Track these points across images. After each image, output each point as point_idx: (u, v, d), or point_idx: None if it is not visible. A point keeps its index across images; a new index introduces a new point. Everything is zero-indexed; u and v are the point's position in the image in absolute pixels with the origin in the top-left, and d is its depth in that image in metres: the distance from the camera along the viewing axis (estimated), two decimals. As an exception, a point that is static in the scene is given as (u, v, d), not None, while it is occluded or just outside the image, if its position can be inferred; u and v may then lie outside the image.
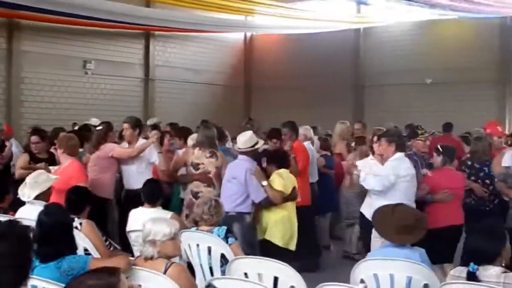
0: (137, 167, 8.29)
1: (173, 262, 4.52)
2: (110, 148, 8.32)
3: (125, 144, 8.60)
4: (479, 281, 4.10)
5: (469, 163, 8.05)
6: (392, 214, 5.02)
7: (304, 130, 9.73)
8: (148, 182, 6.88)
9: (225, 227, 5.95)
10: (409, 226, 4.92)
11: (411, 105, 20.94)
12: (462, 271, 4.27)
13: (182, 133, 9.65)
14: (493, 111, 19.93)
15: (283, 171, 7.29)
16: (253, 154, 7.41)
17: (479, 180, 7.81)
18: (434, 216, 6.76)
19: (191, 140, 8.73)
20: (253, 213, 7.27)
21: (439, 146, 7.55)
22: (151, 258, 4.48)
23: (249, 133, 7.56)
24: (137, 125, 8.56)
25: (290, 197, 7.18)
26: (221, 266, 5.65)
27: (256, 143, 7.39)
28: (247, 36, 25.77)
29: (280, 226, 7.18)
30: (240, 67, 25.58)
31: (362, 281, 4.88)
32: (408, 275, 4.75)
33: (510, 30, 20.15)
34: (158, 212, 6.32)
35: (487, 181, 7.78)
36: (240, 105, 25.40)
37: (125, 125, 8.46)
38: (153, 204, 6.50)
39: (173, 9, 18.30)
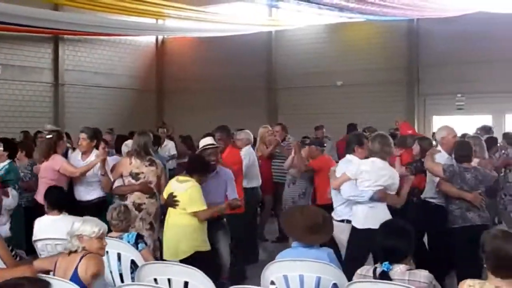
0: (87, 178, 8.08)
1: (88, 253, 4.52)
2: (57, 163, 8.06)
3: (78, 154, 8.36)
4: (390, 279, 4.14)
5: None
6: (301, 214, 5.02)
7: (245, 134, 9.67)
8: (50, 190, 6.71)
9: (135, 233, 5.87)
10: (317, 226, 4.93)
11: (323, 107, 21.27)
12: (368, 269, 4.32)
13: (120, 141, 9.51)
14: (402, 111, 20.49)
15: (176, 177, 6.93)
16: None
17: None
18: None
19: (125, 147, 8.52)
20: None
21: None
22: (75, 251, 4.53)
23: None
24: (95, 136, 8.31)
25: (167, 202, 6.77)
26: (132, 273, 5.53)
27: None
28: (159, 40, 25.54)
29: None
30: (152, 71, 25.32)
31: (272, 282, 4.86)
32: (317, 275, 4.77)
33: (417, 32, 20.80)
34: (65, 218, 6.14)
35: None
36: (152, 109, 25.13)
37: (82, 135, 8.21)
38: (58, 211, 6.34)
39: (82, 13, 17.89)
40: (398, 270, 4.19)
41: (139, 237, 5.84)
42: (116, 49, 23.32)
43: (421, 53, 20.74)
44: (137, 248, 5.68)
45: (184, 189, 6.56)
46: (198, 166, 6.81)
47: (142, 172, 7.43)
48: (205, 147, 7.27)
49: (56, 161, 8.11)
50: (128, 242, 5.71)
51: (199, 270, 4.74)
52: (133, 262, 5.58)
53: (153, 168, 7.45)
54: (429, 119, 20.80)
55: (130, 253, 5.61)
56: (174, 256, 6.48)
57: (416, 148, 8.13)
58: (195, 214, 6.47)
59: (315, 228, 4.91)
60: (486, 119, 18.11)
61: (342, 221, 6.67)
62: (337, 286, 4.71)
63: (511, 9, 15.87)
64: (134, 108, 23.43)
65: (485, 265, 3.85)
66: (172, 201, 6.61)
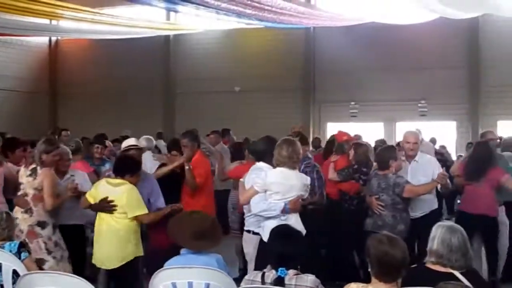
0: None
1: None
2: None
3: None
4: (284, 285, 4.14)
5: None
6: (190, 220, 4.94)
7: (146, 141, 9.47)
8: None
9: (17, 242, 5.57)
10: (206, 232, 4.86)
11: (221, 113, 21.29)
12: (256, 274, 4.30)
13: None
14: (298, 117, 20.83)
15: (105, 180, 6.48)
16: None
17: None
18: None
19: None
20: None
21: None
22: None
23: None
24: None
25: (89, 208, 6.40)
26: (14, 283, 5.25)
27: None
28: (52, 41, 24.75)
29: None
30: (44, 73, 24.54)
31: (161, 291, 4.76)
32: (206, 281, 4.70)
33: (313, 40, 21.22)
34: None
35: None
36: (45, 113, 24.31)
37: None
38: None
39: (-31, 11, 17.06)
40: (287, 275, 4.20)
41: (22, 246, 5.56)
42: (7, 50, 22.42)
43: (317, 61, 21.20)
44: (19, 258, 5.40)
45: (121, 193, 6.16)
46: (129, 166, 6.42)
47: (23, 183, 6.76)
48: (128, 148, 7.00)
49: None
50: (10, 251, 5.42)
51: (85, 281, 4.55)
52: (15, 272, 5.31)
53: (30, 179, 6.65)
54: (324, 125, 21.26)
55: (11, 263, 5.32)
56: (105, 265, 6.22)
57: (351, 153, 8.22)
58: (136, 218, 6.13)
59: (203, 234, 4.83)
60: (378, 127, 18.75)
61: (249, 231, 6.34)
62: (226, 292, 4.66)
63: (403, 20, 16.47)
64: (24, 112, 22.62)
65: (369, 270, 3.91)
66: (108, 206, 6.16)
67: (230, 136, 14.01)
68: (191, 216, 5.02)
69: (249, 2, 12.40)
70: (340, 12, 15.71)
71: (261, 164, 6.21)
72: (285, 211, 5.76)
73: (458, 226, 4.53)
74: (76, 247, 7.00)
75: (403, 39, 18.82)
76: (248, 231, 6.36)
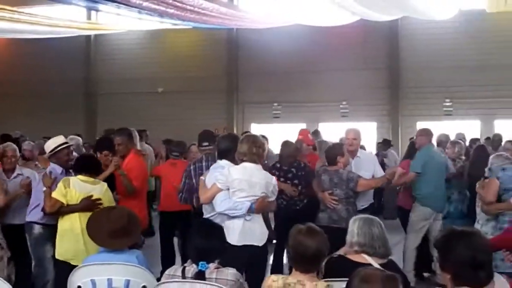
0: None
1: None
2: None
3: None
4: (205, 279, 4.11)
5: (278, 165, 8.24)
6: (107, 217, 4.82)
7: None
8: None
9: None
10: (123, 229, 4.76)
11: (145, 113, 21.05)
12: (176, 269, 4.26)
13: None
14: (222, 119, 20.84)
15: (77, 178, 6.16)
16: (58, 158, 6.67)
17: (288, 181, 8.03)
18: None
19: None
20: None
21: None
22: None
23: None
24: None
25: (78, 208, 6.02)
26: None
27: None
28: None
29: (59, 238, 6.15)
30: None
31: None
32: (126, 278, 4.63)
33: (236, 41, 21.28)
34: None
35: (296, 182, 8.02)
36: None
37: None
38: None
39: None
40: (208, 269, 4.18)
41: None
42: None
43: (240, 62, 21.29)
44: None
45: (102, 191, 6.05)
46: (96, 165, 6.31)
47: None
48: (61, 147, 6.68)
49: None
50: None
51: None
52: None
53: None
54: (248, 126, 21.34)
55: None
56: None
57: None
58: None
59: (121, 231, 4.74)
60: (300, 128, 18.95)
61: None
62: (147, 288, 4.60)
63: (326, 22, 16.70)
64: None
65: (287, 260, 3.93)
66: (94, 204, 5.94)
67: (146, 136, 13.99)
68: (108, 214, 4.89)
69: (171, 1, 12.27)
70: (263, 14, 15.77)
71: (223, 162, 5.93)
72: (250, 210, 5.55)
73: (375, 217, 4.62)
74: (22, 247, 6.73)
75: (326, 41, 19.12)
76: None
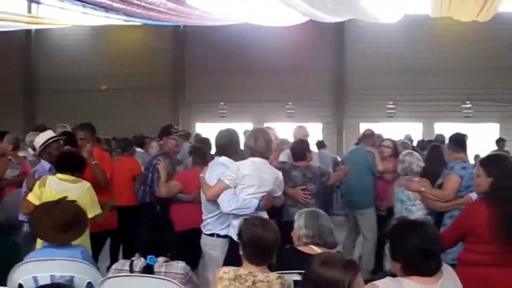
0: None
1: None
2: None
3: None
4: (153, 273, 4.04)
5: None
6: (52, 211, 4.63)
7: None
8: None
9: None
10: (68, 223, 4.57)
11: (87, 112, 20.56)
12: (124, 263, 4.16)
13: None
14: (167, 117, 20.61)
15: (55, 176, 5.85)
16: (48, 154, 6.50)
17: None
18: (178, 218, 6.02)
19: None
20: None
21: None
22: None
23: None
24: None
25: None
26: None
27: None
28: None
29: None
30: None
31: (20, 285, 4.45)
32: (70, 274, 4.46)
33: (183, 39, 21.10)
34: None
35: None
36: None
37: None
38: None
39: None
40: (157, 262, 4.09)
41: None
42: None
43: (187, 60, 21.14)
44: None
45: (82, 190, 5.65)
46: (78, 162, 5.96)
47: None
48: (50, 141, 6.52)
49: None
50: None
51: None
52: None
53: None
54: (193, 125, 21.20)
55: None
56: None
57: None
58: (93, 218, 5.53)
59: (66, 226, 4.56)
60: (247, 127, 18.89)
61: (212, 235, 5.74)
62: (92, 284, 4.44)
63: (274, 22, 16.71)
64: None
65: (241, 253, 3.88)
66: None
67: None
68: (52, 207, 4.69)
69: (116, -5, 12.06)
70: (212, 11, 15.61)
71: (223, 158, 5.74)
72: (258, 208, 5.32)
73: (320, 210, 4.69)
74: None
75: (274, 41, 19.15)
76: (212, 235, 5.74)
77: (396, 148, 8.78)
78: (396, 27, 18.57)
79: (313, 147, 10.98)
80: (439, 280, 3.40)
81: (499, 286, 4.22)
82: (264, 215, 5.21)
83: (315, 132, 19.11)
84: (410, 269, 3.38)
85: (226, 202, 5.33)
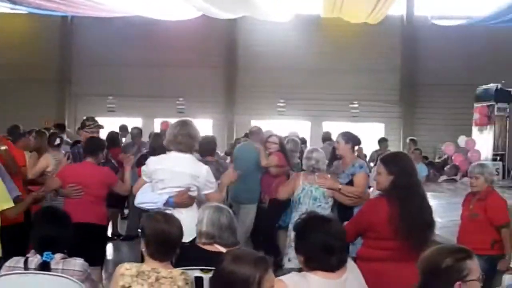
0: None
1: None
2: None
3: None
4: (50, 270, 3.88)
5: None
6: None
7: None
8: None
9: None
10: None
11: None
12: (18, 260, 3.96)
13: None
14: (53, 110, 19.94)
15: None
16: None
17: None
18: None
19: None
20: None
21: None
22: None
23: None
24: None
25: None
26: None
27: None
28: None
29: None
30: None
31: None
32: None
33: (71, 30, 20.45)
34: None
35: None
36: None
37: None
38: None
39: None
40: (53, 259, 3.91)
41: None
42: None
43: (74, 52, 20.49)
44: None
45: None
46: None
47: None
48: None
49: None
50: None
51: None
52: None
53: None
54: (80, 119, 20.47)
55: None
56: None
57: None
58: (2, 213, 4.95)
59: None
60: (137, 122, 18.59)
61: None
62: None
63: (167, 16, 16.53)
64: None
65: (143, 249, 3.80)
66: None
67: None
68: None
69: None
70: (102, 2, 15.22)
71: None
72: (168, 204, 5.10)
73: (225, 206, 4.67)
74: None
75: (165, 35, 18.92)
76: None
77: (282, 144, 8.98)
78: (288, 25, 18.84)
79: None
80: (343, 275, 3.47)
81: (396, 281, 4.34)
82: None
83: (205, 128, 19.12)
84: (312, 263, 3.43)
85: (138, 195, 5.30)
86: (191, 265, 4.08)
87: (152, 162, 5.32)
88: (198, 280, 4.03)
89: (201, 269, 4.09)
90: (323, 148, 12.12)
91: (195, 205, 5.25)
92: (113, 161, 8.10)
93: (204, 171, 5.28)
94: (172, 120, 16.10)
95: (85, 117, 8.83)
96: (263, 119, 18.63)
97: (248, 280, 2.89)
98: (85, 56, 20.12)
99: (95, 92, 20.14)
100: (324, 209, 6.46)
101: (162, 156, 5.38)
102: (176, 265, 3.96)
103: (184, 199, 5.15)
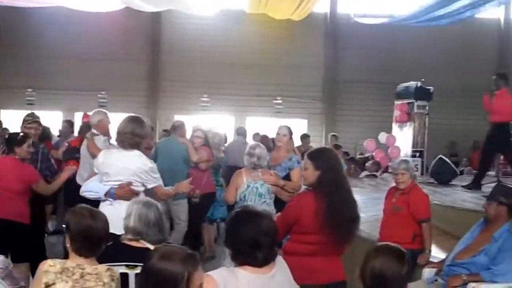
0: None
1: None
2: None
3: None
4: None
5: None
6: None
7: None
8: None
9: None
10: None
11: None
12: None
13: None
14: None
15: None
16: None
17: None
18: None
19: None
20: None
21: None
22: None
23: None
24: None
25: None
26: None
27: None
28: None
29: None
30: None
31: None
32: None
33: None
34: None
35: None
36: None
37: None
38: None
39: None
40: None
41: None
42: None
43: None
44: None
45: None
46: None
47: None
48: None
49: None
50: None
51: None
52: None
53: None
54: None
55: None
56: None
57: None
58: None
59: None
60: (57, 116, 18.18)
61: None
62: None
63: (91, 7, 16.18)
64: None
65: (68, 245, 3.71)
66: None
67: None
68: None
69: None
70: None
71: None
72: (109, 195, 5.27)
73: (154, 201, 4.58)
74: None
75: (88, 27, 18.51)
76: None
77: (207, 138, 9.00)
78: (213, 20, 18.80)
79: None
80: (272, 270, 3.50)
81: (323, 275, 4.42)
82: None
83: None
84: (239, 257, 3.46)
85: (83, 185, 5.52)
86: (117, 261, 4.02)
87: (101, 156, 5.55)
88: (124, 277, 3.96)
89: (127, 265, 4.05)
90: (235, 141, 12.36)
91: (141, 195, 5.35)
92: (52, 161, 7.88)
93: (146, 168, 5.46)
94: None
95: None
96: (187, 114, 18.50)
97: (177, 278, 2.86)
98: (2, 48, 19.47)
99: (13, 85, 19.52)
100: (269, 205, 6.43)
101: (111, 150, 5.64)
102: (101, 261, 3.86)
103: (125, 192, 5.28)
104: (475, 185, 10.76)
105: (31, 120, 7.64)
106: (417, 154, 15.04)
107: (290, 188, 6.66)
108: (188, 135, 9.24)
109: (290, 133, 7.29)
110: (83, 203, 3.95)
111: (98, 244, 3.72)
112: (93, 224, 3.67)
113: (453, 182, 11.82)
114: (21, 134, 6.86)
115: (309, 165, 4.65)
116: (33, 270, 4.72)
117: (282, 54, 19.99)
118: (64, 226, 3.85)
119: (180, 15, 18.54)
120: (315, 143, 16.56)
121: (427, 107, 15.33)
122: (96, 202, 5.21)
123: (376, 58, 19.61)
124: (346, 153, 15.76)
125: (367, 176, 14.83)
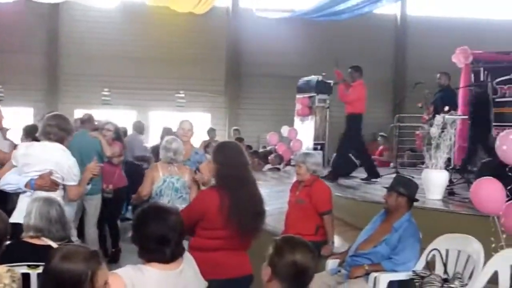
0: None
1: None
2: None
3: None
4: None
5: None
6: None
7: None
8: None
9: None
10: None
11: None
12: None
13: None
14: None
15: None
16: None
17: None
18: None
19: None
20: None
21: None
22: None
23: None
24: None
25: None
26: None
27: None
28: None
29: None
30: None
31: None
32: None
33: None
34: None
35: None
36: None
37: None
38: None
39: None
40: None
41: None
42: None
43: None
44: None
45: None
46: None
47: None
48: None
49: None
50: None
51: None
52: None
53: None
54: None
55: None
56: None
57: None
58: None
59: None
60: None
61: None
62: None
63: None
64: None
65: None
66: None
67: None
68: None
69: None
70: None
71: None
72: (29, 186, 5.19)
73: (55, 198, 4.56)
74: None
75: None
76: None
77: (118, 132, 8.91)
78: (113, 13, 18.48)
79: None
80: (180, 266, 3.50)
81: (230, 269, 4.43)
82: None
83: (26, 118, 18.19)
84: (147, 254, 3.43)
85: (3, 178, 5.40)
86: (18, 261, 3.94)
87: (22, 147, 5.52)
88: (25, 277, 3.88)
89: (28, 265, 3.99)
90: (131, 136, 12.20)
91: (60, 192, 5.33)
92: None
93: (69, 162, 5.43)
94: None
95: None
96: (88, 108, 17.94)
97: (80, 278, 2.82)
98: None
99: None
100: (186, 200, 6.36)
101: (33, 143, 5.70)
102: (1, 261, 3.74)
103: (46, 182, 5.23)
104: (372, 175, 11.15)
105: None
106: (319, 147, 15.36)
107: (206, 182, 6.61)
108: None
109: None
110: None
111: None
112: None
113: (354, 174, 12.14)
114: None
115: (210, 160, 4.67)
116: None
117: (185, 48, 19.90)
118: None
119: (79, 6, 18.10)
120: (219, 137, 16.60)
121: (327, 101, 15.69)
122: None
123: (278, 52, 19.83)
124: (249, 147, 15.90)
125: (270, 169, 15.00)
